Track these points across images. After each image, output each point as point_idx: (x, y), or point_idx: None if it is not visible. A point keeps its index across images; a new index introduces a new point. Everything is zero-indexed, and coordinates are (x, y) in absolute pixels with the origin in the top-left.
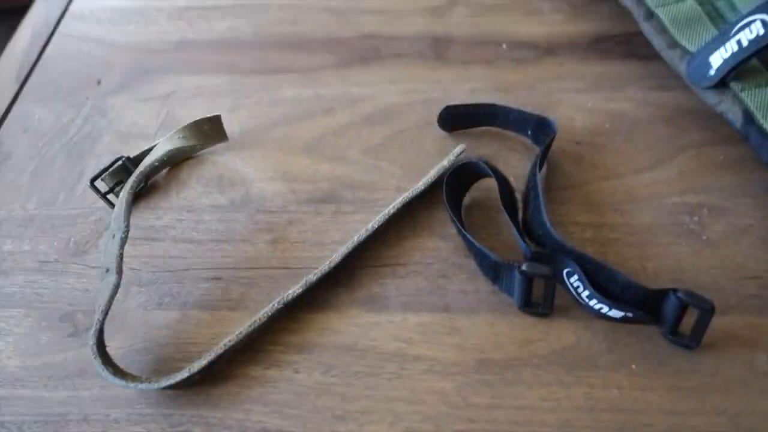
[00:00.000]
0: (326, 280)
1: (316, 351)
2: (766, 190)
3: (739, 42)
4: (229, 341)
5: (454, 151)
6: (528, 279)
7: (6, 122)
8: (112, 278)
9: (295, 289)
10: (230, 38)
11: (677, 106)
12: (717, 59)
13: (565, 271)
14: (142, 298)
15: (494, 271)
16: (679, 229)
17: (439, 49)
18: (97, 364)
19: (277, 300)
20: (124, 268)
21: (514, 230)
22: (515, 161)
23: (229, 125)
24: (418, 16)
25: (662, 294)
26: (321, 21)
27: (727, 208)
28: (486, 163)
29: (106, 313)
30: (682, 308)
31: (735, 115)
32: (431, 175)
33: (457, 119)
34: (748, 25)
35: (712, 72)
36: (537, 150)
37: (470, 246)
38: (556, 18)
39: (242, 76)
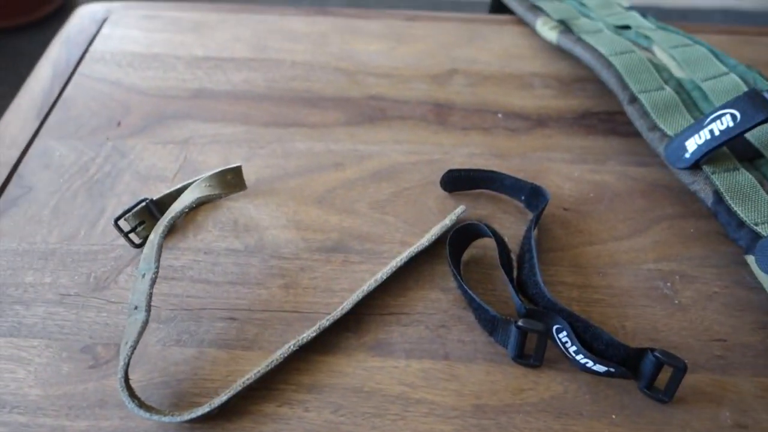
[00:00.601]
0: (336, 326)
1: (325, 391)
2: (731, 261)
3: (711, 131)
4: (248, 379)
5: (455, 211)
6: (523, 334)
7: (27, 157)
8: (141, 315)
9: (309, 333)
10: (246, 90)
11: (654, 180)
12: (692, 144)
13: (555, 327)
14: (161, 334)
15: (491, 324)
16: (654, 293)
17: (440, 114)
18: (123, 396)
19: (293, 342)
20: None
21: (510, 287)
22: (509, 223)
23: (244, 173)
24: (421, 82)
25: (641, 353)
26: (331, 80)
27: (696, 276)
28: (486, 225)
29: (134, 348)
30: (658, 366)
31: (706, 195)
32: (434, 232)
33: (458, 181)
34: (719, 117)
35: (687, 155)
36: (528, 214)
37: (470, 300)
38: (546, 93)
39: (257, 126)
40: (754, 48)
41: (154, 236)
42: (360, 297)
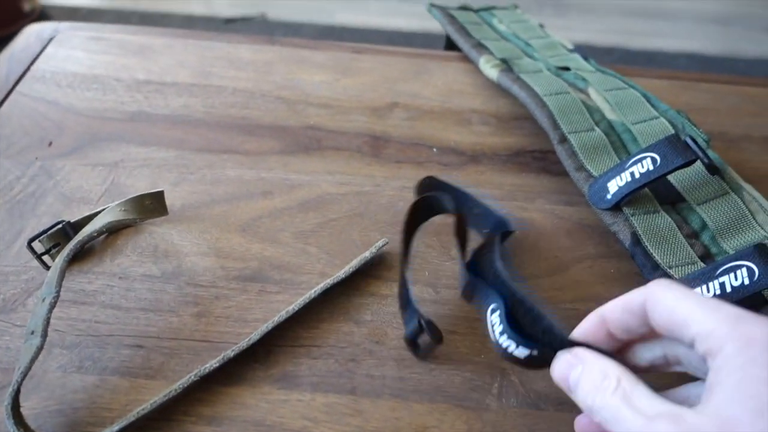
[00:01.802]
0: (243, 356)
1: (225, 424)
2: None
3: (632, 173)
4: (143, 409)
5: (377, 243)
6: (420, 329)
7: None
8: (36, 341)
9: (212, 363)
10: (183, 115)
11: (580, 220)
12: (613, 186)
13: (490, 307)
14: (63, 360)
15: (405, 301)
16: (569, 332)
17: (376, 146)
18: (9, 425)
19: (194, 372)
20: (50, 330)
21: (458, 254)
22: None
23: (170, 199)
24: (361, 114)
25: (575, 344)
26: (271, 108)
27: None
28: (448, 199)
29: (25, 374)
30: None
31: (625, 236)
32: (353, 264)
33: (433, 190)
34: (640, 160)
35: (608, 196)
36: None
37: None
38: (483, 129)
39: (190, 152)
40: (693, 94)
41: (59, 260)
42: (269, 328)
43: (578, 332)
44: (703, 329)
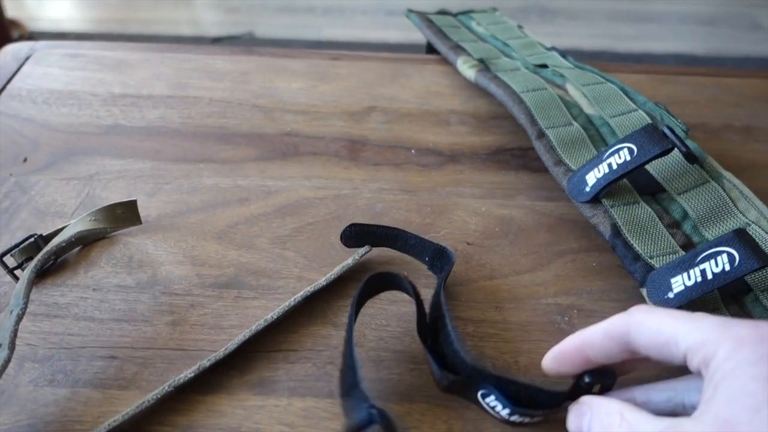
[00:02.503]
0: (219, 364)
1: None
2: (630, 295)
3: (609, 165)
4: (114, 421)
5: (359, 251)
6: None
7: None
8: (3, 353)
9: (187, 373)
10: (159, 126)
11: (560, 215)
12: (592, 178)
13: (480, 393)
14: (34, 374)
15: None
16: (550, 327)
17: (353, 150)
18: None
19: (168, 383)
20: (22, 344)
21: (429, 357)
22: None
23: (146, 209)
24: (338, 119)
25: (576, 389)
26: (248, 117)
27: (595, 310)
28: (409, 281)
29: None
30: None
31: (605, 228)
32: (335, 271)
33: (359, 237)
34: (617, 151)
35: (587, 189)
36: (431, 275)
37: (348, 360)
38: (461, 129)
39: (166, 162)
40: (672, 87)
41: (27, 271)
42: (247, 336)
43: (557, 351)
44: (693, 341)
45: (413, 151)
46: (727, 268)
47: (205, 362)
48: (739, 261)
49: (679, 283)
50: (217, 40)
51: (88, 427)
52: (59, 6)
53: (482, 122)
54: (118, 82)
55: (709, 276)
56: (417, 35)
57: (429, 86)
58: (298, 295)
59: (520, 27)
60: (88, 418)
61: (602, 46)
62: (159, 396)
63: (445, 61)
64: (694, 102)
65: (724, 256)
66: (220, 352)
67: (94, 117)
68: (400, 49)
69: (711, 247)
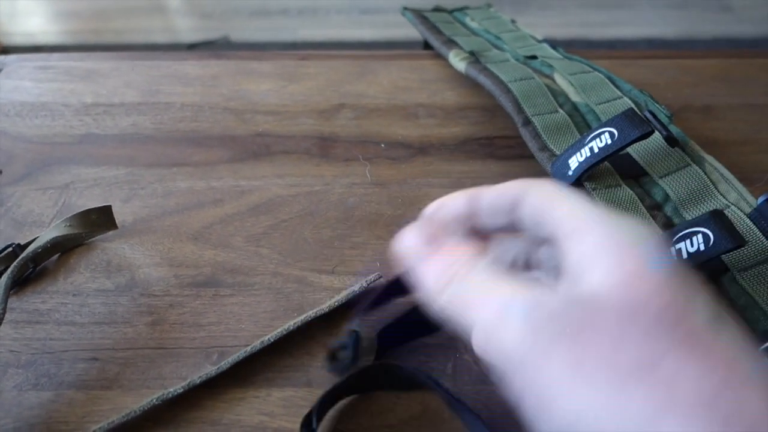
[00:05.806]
0: (199, 358)
1: (182, 426)
2: None
3: (591, 148)
4: (99, 429)
5: (368, 278)
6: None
7: None
8: None
9: (176, 389)
10: (132, 133)
11: None
12: (574, 162)
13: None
14: (18, 379)
15: None
16: None
17: (324, 147)
18: None
19: (156, 396)
20: (5, 350)
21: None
22: None
23: (122, 214)
24: (308, 118)
25: None
26: (219, 119)
27: None
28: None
29: None
30: None
31: None
32: (339, 298)
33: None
34: (599, 135)
35: (570, 173)
36: None
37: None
38: (429, 122)
39: (140, 168)
40: (633, 70)
41: (4, 278)
42: (241, 357)
43: (445, 203)
44: (575, 218)
45: (383, 145)
46: (702, 248)
47: (196, 379)
48: (714, 241)
49: None
50: (192, 46)
51: (73, 428)
52: (33, 20)
53: (449, 114)
54: (89, 92)
55: (685, 255)
56: (393, 32)
57: (396, 81)
58: (299, 320)
59: (513, 21)
60: (72, 418)
61: (575, 35)
62: (146, 408)
63: (410, 56)
64: (655, 84)
65: (699, 236)
66: (213, 371)
67: (67, 127)
68: (375, 46)
69: (686, 228)
